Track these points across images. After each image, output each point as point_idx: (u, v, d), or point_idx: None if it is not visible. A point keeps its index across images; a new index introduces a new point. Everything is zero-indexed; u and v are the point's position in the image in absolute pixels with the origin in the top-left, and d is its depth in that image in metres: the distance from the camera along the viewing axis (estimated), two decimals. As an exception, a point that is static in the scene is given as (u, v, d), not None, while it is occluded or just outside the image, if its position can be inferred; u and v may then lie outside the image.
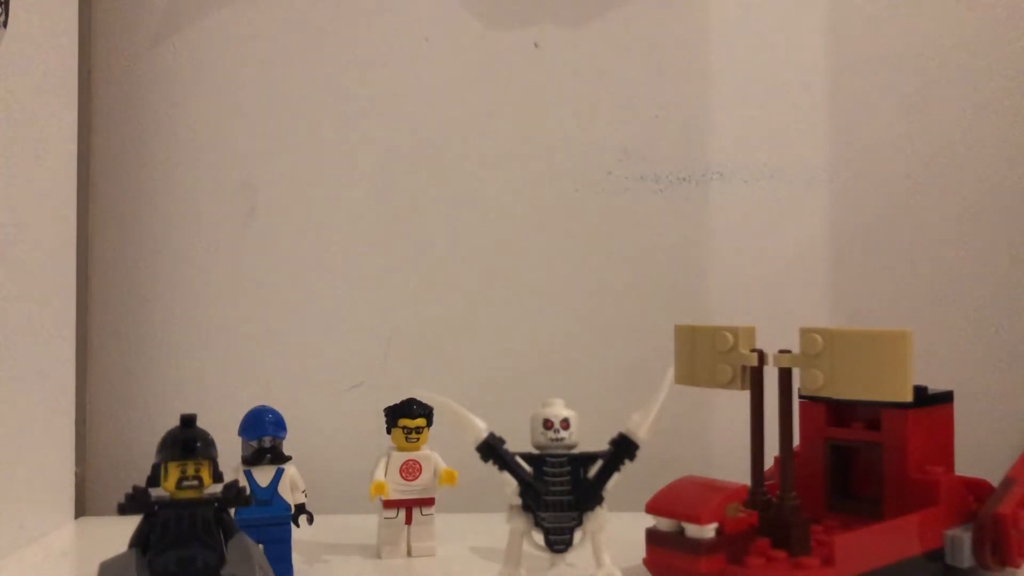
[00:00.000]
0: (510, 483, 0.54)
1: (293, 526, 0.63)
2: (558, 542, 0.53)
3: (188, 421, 0.47)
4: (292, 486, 0.63)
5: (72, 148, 0.83)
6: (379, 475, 0.67)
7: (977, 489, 0.62)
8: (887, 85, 0.91)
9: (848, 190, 0.91)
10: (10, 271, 0.70)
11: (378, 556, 0.69)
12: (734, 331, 0.56)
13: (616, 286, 0.90)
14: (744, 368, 0.56)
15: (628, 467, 0.54)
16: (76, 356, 0.83)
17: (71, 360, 0.82)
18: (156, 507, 0.46)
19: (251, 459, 0.62)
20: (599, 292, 0.90)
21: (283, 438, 0.63)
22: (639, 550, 0.57)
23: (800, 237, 0.91)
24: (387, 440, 0.69)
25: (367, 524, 0.73)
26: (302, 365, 0.88)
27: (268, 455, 0.62)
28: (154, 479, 0.46)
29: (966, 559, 0.58)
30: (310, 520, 0.64)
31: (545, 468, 0.54)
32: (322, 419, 0.87)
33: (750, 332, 0.57)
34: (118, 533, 0.46)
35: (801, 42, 0.91)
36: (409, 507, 0.68)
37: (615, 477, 0.54)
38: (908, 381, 0.50)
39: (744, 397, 0.57)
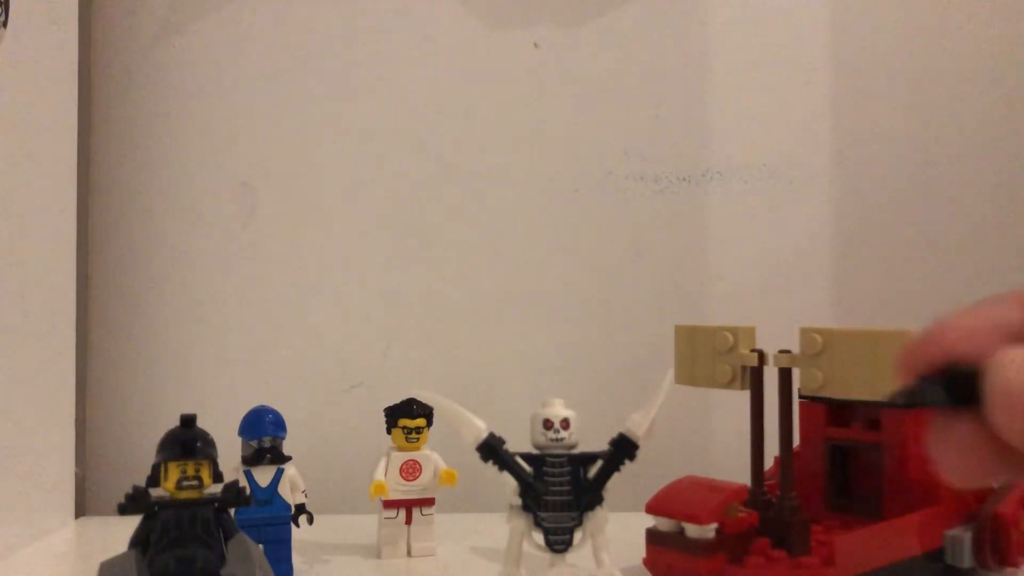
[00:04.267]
0: (510, 483, 0.54)
1: (293, 526, 0.63)
2: (558, 542, 0.53)
3: (188, 421, 0.47)
4: (292, 486, 0.63)
5: (72, 148, 0.83)
6: (379, 475, 0.67)
7: (977, 489, 0.61)
8: (887, 84, 0.91)
9: (848, 189, 0.91)
10: (10, 271, 0.70)
11: (378, 556, 0.69)
12: (734, 331, 0.56)
13: (616, 286, 0.90)
14: (744, 368, 0.56)
15: (628, 467, 0.54)
16: (76, 356, 0.83)
17: (71, 360, 0.82)
18: (156, 507, 0.45)
19: (251, 459, 0.62)
20: (599, 292, 0.90)
21: (283, 438, 0.63)
22: (639, 550, 0.57)
23: (800, 237, 0.91)
24: (387, 440, 0.69)
25: (367, 524, 0.73)
26: (302, 365, 0.88)
27: (268, 455, 0.62)
28: (154, 479, 0.46)
29: (966, 559, 0.58)
30: (310, 520, 0.63)
31: (545, 468, 0.54)
32: (322, 419, 0.87)
33: (750, 332, 0.57)
34: (118, 533, 0.46)
35: (801, 42, 0.91)
36: (409, 507, 0.68)
37: (615, 477, 0.54)
38: (908, 381, 0.50)
39: (744, 397, 0.57)
